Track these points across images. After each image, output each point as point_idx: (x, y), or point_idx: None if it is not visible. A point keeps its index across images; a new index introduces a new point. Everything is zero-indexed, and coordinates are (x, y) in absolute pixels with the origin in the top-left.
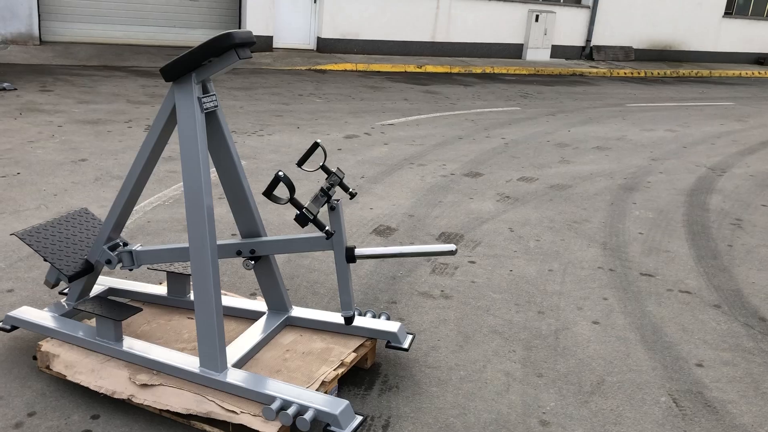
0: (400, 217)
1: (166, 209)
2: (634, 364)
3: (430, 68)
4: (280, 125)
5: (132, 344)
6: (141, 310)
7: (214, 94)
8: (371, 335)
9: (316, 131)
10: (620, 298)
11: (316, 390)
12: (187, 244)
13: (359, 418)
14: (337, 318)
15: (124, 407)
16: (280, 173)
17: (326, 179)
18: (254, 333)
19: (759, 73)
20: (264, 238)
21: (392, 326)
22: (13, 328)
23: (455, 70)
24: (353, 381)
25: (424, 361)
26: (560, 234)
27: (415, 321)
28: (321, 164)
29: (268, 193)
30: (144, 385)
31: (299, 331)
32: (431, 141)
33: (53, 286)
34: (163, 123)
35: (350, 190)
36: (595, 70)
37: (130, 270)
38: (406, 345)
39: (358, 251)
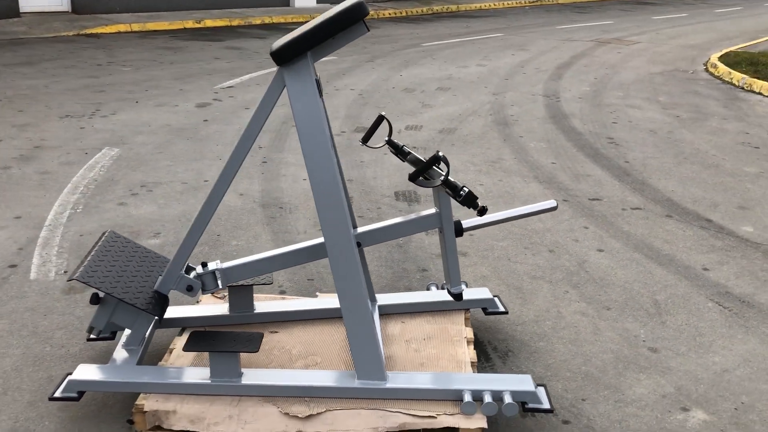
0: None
1: (86, 217)
2: (662, 279)
3: (209, 23)
4: (113, 102)
5: (255, 376)
6: (263, 334)
7: None
8: (468, 306)
9: (161, 103)
10: (596, 224)
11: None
12: (272, 252)
13: (542, 388)
14: (423, 297)
15: None
16: (440, 153)
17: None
18: None
19: (497, 4)
20: (370, 227)
21: (484, 293)
22: (81, 394)
23: (235, 22)
24: None
25: (507, 320)
26: (493, 175)
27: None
28: (387, 138)
29: (418, 175)
30: (309, 417)
31: (397, 319)
32: (287, 99)
33: (99, 334)
34: (266, 116)
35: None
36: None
37: (211, 293)
38: (502, 308)
39: (465, 223)
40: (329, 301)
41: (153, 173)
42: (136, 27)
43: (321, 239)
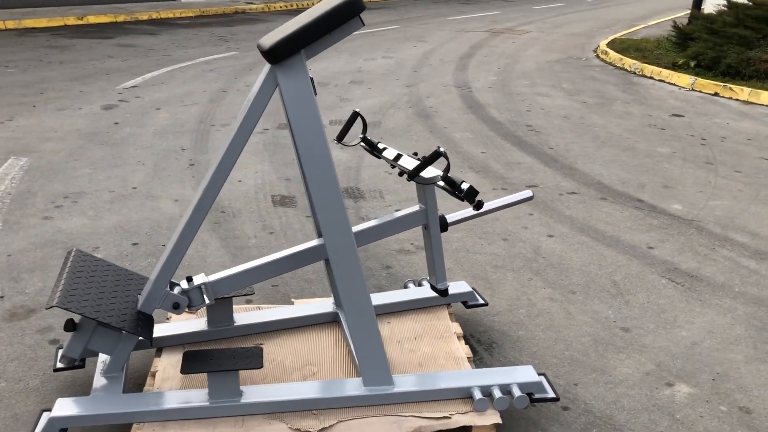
0: (282, 184)
1: (10, 235)
2: (614, 260)
3: (92, 19)
4: (6, 107)
5: (256, 393)
6: (262, 349)
7: None
8: (449, 301)
9: (62, 106)
10: (539, 210)
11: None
12: (260, 261)
13: (542, 377)
14: (404, 296)
15: None
16: (441, 149)
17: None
18: None
19: None
20: (357, 228)
21: (463, 287)
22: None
23: (121, 18)
24: None
25: (483, 311)
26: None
27: (419, 278)
28: (362, 135)
29: (418, 172)
30: (321, 430)
31: (382, 320)
32: (202, 98)
33: (72, 362)
34: (257, 120)
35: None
36: (254, 6)
37: (196, 310)
38: (482, 300)
39: (449, 218)
40: (309, 307)
41: (73, 183)
42: (11, 24)
43: (310, 243)
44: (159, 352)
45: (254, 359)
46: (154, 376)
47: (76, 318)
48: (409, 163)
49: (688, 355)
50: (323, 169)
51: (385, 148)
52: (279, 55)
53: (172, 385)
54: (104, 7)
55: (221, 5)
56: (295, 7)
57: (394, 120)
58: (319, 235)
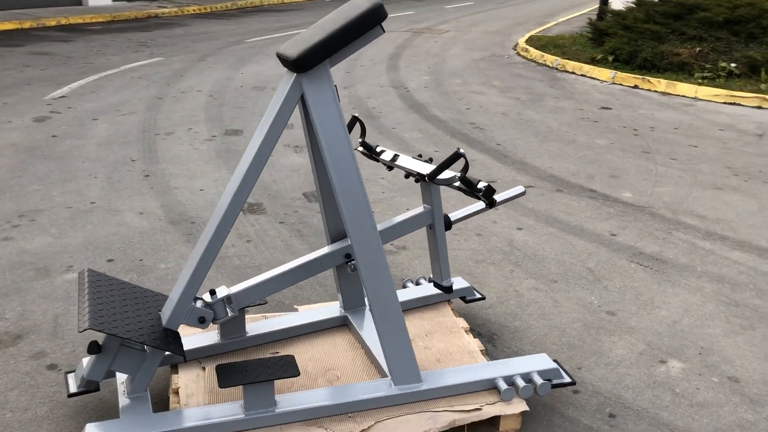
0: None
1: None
2: (584, 249)
3: None
4: None
5: (289, 401)
6: (293, 356)
7: None
8: (449, 297)
9: None
10: (504, 205)
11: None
12: (279, 270)
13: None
14: (408, 295)
15: None
16: (461, 150)
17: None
18: (375, 337)
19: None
20: None
21: (461, 283)
22: None
23: (27, 24)
24: None
25: (476, 305)
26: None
27: (415, 277)
28: (361, 140)
29: (438, 173)
30: None
31: None
32: (138, 106)
33: (93, 386)
34: (281, 130)
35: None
36: (166, 10)
37: (220, 323)
38: (479, 295)
39: (452, 216)
40: (317, 313)
41: (25, 200)
42: None
43: (324, 250)
44: (175, 368)
45: (290, 368)
46: (177, 393)
47: (101, 339)
48: (415, 165)
49: (672, 333)
50: (350, 174)
51: (383, 151)
52: (306, 64)
53: (198, 401)
54: (6, 13)
55: (132, 9)
56: (208, 10)
57: None
58: (331, 241)
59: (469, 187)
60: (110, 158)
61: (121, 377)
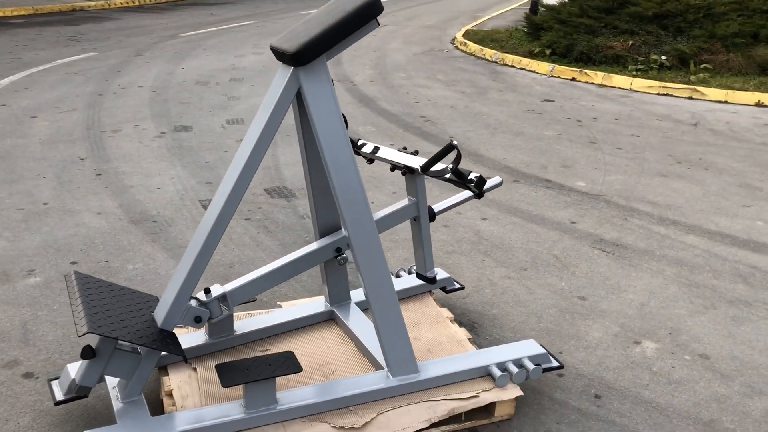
0: (205, 188)
1: None
2: (548, 237)
3: None
4: None
5: (289, 398)
6: (292, 352)
7: None
8: (431, 288)
9: None
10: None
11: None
12: (271, 267)
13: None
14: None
15: None
16: (454, 142)
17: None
18: (365, 330)
19: None
20: None
21: (441, 273)
22: None
23: None
24: None
25: (454, 295)
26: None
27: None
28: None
29: (431, 165)
30: (365, 425)
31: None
32: (78, 103)
33: (86, 392)
34: (278, 125)
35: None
36: (92, 3)
37: (215, 322)
38: (458, 285)
39: (435, 207)
40: (303, 308)
41: None
42: None
43: (315, 245)
44: (164, 370)
45: (291, 364)
46: (171, 395)
47: (95, 344)
48: (401, 157)
49: (641, 315)
50: (347, 167)
51: (364, 144)
52: (305, 58)
53: (195, 402)
54: None
55: (56, 2)
56: (137, 3)
57: (289, 115)
58: (321, 236)
59: (460, 179)
60: (57, 157)
61: (111, 382)
